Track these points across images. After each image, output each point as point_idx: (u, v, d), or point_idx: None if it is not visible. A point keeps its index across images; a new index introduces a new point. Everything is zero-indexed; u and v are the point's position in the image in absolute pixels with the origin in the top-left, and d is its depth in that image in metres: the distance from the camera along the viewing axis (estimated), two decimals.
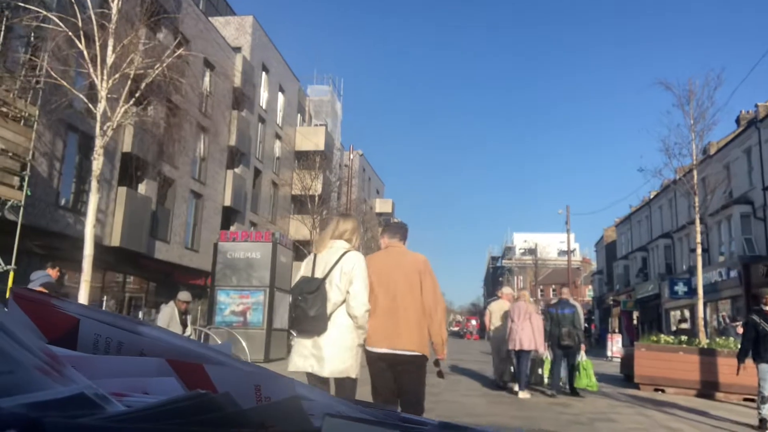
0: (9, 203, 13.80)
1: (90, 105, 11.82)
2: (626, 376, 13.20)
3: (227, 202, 27.55)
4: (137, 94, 12.36)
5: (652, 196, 37.35)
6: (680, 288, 27.13)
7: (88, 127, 18.11)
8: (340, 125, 43.68)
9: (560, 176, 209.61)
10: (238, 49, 29.22)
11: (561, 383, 9.96)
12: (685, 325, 14.89)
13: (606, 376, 14.49)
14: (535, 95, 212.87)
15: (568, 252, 35.60)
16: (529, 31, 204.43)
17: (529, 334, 9.27)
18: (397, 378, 4.10)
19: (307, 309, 3.66)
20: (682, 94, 15.30)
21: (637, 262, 37.38)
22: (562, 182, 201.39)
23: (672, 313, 31.34)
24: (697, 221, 15.70)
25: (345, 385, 3.76)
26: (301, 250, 30.38)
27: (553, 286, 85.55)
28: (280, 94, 34.93)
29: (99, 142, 11.28)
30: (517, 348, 9.30)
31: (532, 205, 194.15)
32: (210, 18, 27.18)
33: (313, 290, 3.71)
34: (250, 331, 12.28)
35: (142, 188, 21.76)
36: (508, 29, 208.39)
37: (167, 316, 8.17)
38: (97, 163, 11.27)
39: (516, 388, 9.61)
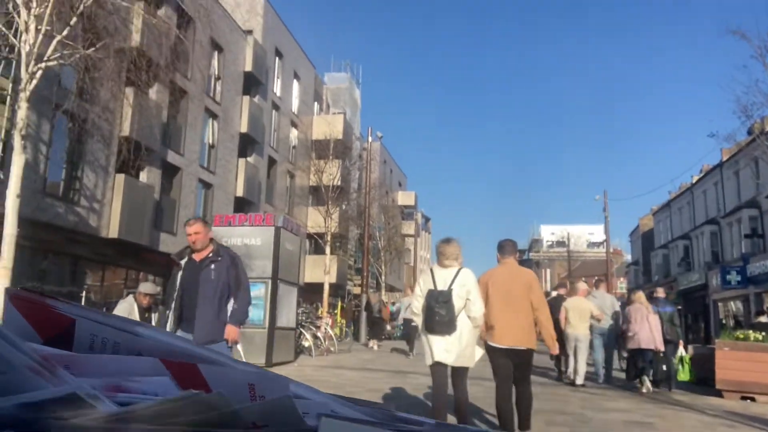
0: None
1: (11, 37, 9.92)
2: (698, 380, 11.10)
3: (239, 192, 25.90)
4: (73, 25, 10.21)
5: (694, 181, 34.85)
6: (733, 277, 24.74)
7: (81, 109, 16.53)
8: (360, 114, 41.85)
9: (589, 167, 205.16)
10: (249, 32, 27.52)
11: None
12: (764, 319, 12.78)
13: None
14: (561, 81, 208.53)
15: (607, 240, 33.35)
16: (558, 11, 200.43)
17: (648, 333, 9.84)
18: (515, 366, 5.18)
19: (443, 314, 4.77)
20: (761, 44, 13.13)
21: (679, 251, 34.91)
22: (590, 173, 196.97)
23: (721, 304, 28.93)
24: None
25: (463, 372, 4.93)
26: (318, 242, 28.73)
27: (583, 278, 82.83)
28: (295, 80, 33.21)
29: (25, 86, 9.29)
30: (637, 347, 9.84)
31: (560, 198, 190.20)
32: (219, 0, 25.51)
33: (447, 300, 4.80)
34: (249, 330, 10.42)
35: (143, 176, 20.17)
36: (537, 12, 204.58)
37: (123, 314, 6.40)
38: (21, 112, 9.39)
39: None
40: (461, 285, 4.90)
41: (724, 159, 29.86)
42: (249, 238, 10.79)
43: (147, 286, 6.71)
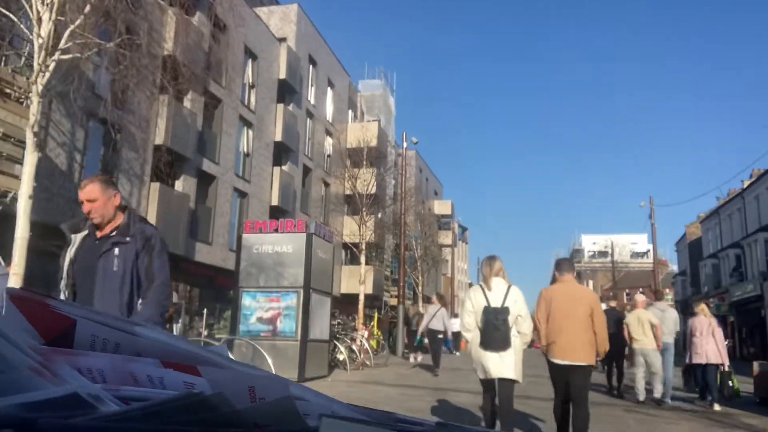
0: (10, 195, 12.06)
1: (27, 31, 9.60)
2: (762, 400, 10.18)
3: (274, 201, 25.63)
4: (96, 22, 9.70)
5: (745, 186, 33.27)
6: None
7: (114, 116, 16.43)
8: (394, 122, 41.40)
9: (630, 174, 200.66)
10: (283, 40, 27.38)
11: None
12: None
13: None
14: (603, 80, 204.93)
15: (654, 248, 31.95)
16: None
17: (714, 347, 9.75)
18: (574, 381, 5.29)
19: (503, 331, 5.08)
20: None
21: (730, 261, 33.29)
22: (632, 181, 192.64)
23: None
24: None
25: (510, 385, 5.19)
26: (354, 252, 28.23)
27: (627, 290, 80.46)
28: (329, 88, 32.96)
29: (36, 78, 8.73)
30: (704, 362, 9.73)
31: (601, 207, 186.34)
32: (253, 9, 25.41)
33: (504, 317, 5.09)
34: (281, 342, 9.95)
35: (178, 185, 20.03)
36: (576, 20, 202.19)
37: None
38: (33, 107, 8.91)
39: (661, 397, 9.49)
40: (513, 302, 5.18)
41: None
42: (280, 245, 10.31)
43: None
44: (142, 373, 0.62)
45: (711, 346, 9.76)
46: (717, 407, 9.26)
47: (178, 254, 19.26)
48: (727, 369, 10.64)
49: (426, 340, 16.00)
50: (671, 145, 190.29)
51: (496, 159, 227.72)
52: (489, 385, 5.27)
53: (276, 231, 10.57)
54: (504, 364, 5.08)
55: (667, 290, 60.30)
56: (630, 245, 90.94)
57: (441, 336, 13.89)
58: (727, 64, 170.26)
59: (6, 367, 0.55)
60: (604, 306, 12.64)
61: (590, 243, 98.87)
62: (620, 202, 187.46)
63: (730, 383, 10.76)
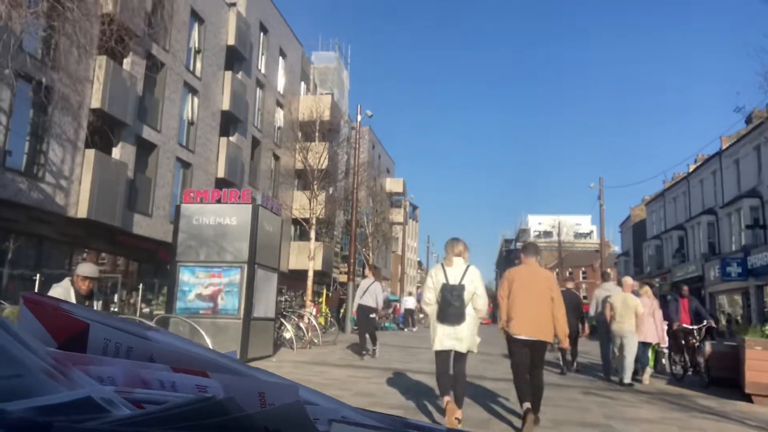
0: None
1: None
2: (713, 379, 10.09)
3: (221, 173, 24.59)
4: None
5: (691, 170, 34.03)
6: (734, 269, 23.91)
7: (46, 76, 15.14)
8: (348, 96, 40.50)
9: (577, 158, 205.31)
10: (232, 5, 26.06)
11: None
12: None
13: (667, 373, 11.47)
14: (551, 61, 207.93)
15: (602, 228, 32.29)
16: None
17: (653, 328, 10.19)
18: (531, 354, 5.70)
19: (457, 306, 5.42)
20: None
21: (673, 242, 34.13)
22: (579, 164, 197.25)
23: (718, 297, 28.18)
24: None
25: (465, 357, 5.58)
26: (303, 227, 27.44)
27: (570, 270, 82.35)
28: (280, 58, 31.79)
29: None
30: (641, 339, 9.81)
31: (547, 188, 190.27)
32: None
33: (460, 294, 5.44)
34: (222, 320, 9.25)
35: (116, 152, 18.82)
36: None
37: None
38: None
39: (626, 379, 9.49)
40: (470, 281, 5.52)
41: (724, 147, 29.03)
42: (223, 217, 9.55)
43: (86, 268, 5.43)
44: (153, 378, 0.61)
45: (650, 326, 10.22)
46: (646, 382, 9.85)
47: (114, 226, 18.19)
48: (663, 348, 11.49)
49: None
50: (620, 131, 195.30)
51: (447, 138, 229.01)
52: (442, 356, 5.56)
53: (219, 201, 9.79)
54: (458, 338, 5.46)
55: (609, 270, 61.94)
56: (574, 226, 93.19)
57: (373, 315, 12.10)
58: (682, 47, 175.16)
59: (21, 370, 0.54)
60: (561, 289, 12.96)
61: (536, 223, 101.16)
62: (566, 185, 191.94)
63: (663, 361, 11.67)
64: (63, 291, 5.20)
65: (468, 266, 5.60)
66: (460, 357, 5.54)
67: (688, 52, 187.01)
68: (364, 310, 11.91)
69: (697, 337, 10.40)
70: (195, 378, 0.60)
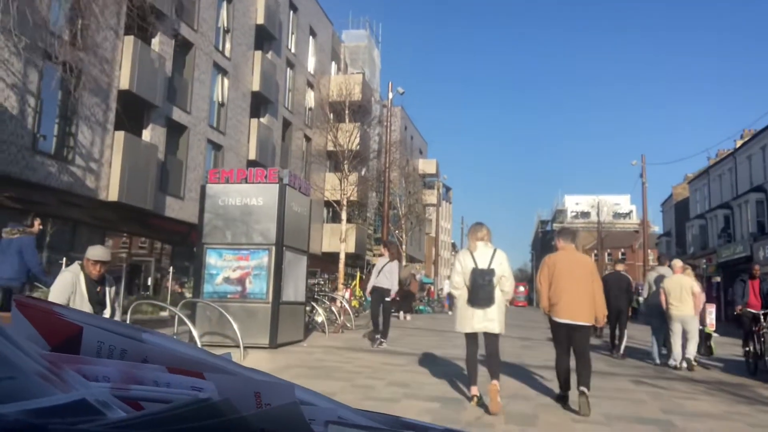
0: None
1: None
2: (756, 365, 9.25)
3: (252, 155, 24.32)
4: None
5: (738, 146, 32.50)
6: None
7: (73, 56, 14.93)
8: (379, 75, 39.82)
9: (615, 136, 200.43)
10: None
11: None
12: None
13: (722, 360, 10.76)
14: (594, 41, 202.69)
15: (645, 208, 31.19)
16: None
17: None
18: (572, 337, 5.85)
19: (489, 290, 5.55)
20: None
21: (719, 221, 32.75)
22: (616, 142, 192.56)
23: None
24: None
25: (495, 338, 5.68)
26: (336, 209, 27.12)
27: (609, 251, 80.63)
28: (311, 37, 31.29)
29: None
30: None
31: (584, 167, 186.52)
32: None
33: (491, 278, 5.57)
34: (250, 305, 8.90)
35: (146, 134, 18.65)
36: None
37: (65, 288, 4.77)
38: None
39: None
40: (498, 264, 5.68)
41: None
42: (249, 197, 9.15)
43: (97, 251, 5.03)
44: (148, 379, 0.61)
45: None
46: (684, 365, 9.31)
47: (146, 209, 18.07)
48: (711, 331, 11.25)
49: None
50: (661, 106, 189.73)
51: (482, 119, 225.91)
52: (472, 338, 5.73)
53: (245, 181, 9.39)
54: (488, 320, 5.60)
55: (651, 251, 60.18)
56: (613, 206, 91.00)
57: (389, 299, 10.80)
58: (719, 25, 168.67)
59: (14, 373, 0.54)
60: (609, 269, 12.78)
61: (573, 204, 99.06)
62: (603, 164, 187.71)
63: (711, 344, 11.26)
64: (71, 276, 4.84)
65: (495, 249, 5.77)
66: (493, 338, 5.68)
67: (733, 19, 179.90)
68: (378, 292, 10.71)
69: (764, 323, 9.03)
70: (190, 379, 0.60)
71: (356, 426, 0.57)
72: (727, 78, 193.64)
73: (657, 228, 60.14)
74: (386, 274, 10.74)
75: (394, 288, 10.91)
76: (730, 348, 12.58)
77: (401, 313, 19.98)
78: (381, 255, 11.54)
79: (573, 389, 5.76)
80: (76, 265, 5.00)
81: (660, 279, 10.05)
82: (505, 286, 5.70)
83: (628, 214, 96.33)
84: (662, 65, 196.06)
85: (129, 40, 17.27)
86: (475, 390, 5.66)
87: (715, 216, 33.40)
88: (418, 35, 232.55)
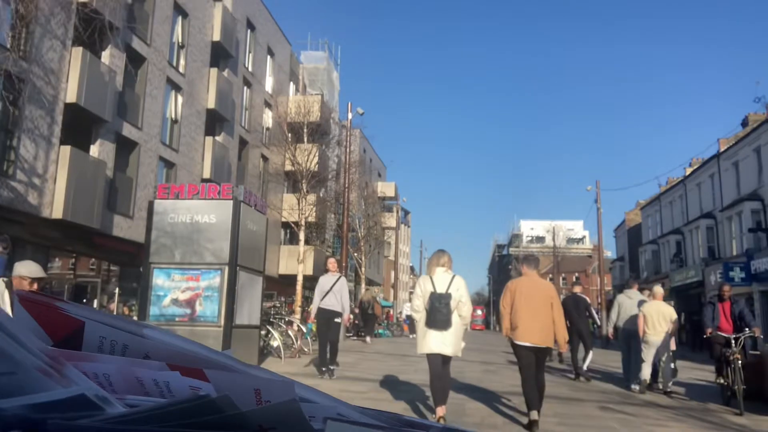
0: None
1: None
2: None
3: (206, 174, 23.61)
4: None
5: (687, 174, 33.42)
6: (737, 274, 23.17)
7: (15, 66, 14.18)
8: (338, 97, 39.63)
9: (571, 164, 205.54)
10: (217, 0, 25.17)
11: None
12: None
13: (682, 384, 10.65)
14: (546, 65, 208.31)
15: (600, 232, 31.58)
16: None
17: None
18: (536, 358, 6.13)
19: (445, 313, 5.77)
20: None
21: (671, 247, 33.45)
22: (572, 170, 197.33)
23: None
24: None
25: (448, 359, 5.91)
26: (294, 230, 26.52)
27: (563, 275, 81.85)
28: (269, 57, 30.91)
29: None
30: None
31: (539, 193, 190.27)
32: None
33: (447, 302, 5.80)
34: (200, 328, 8.32)
35: (94, 150, 17.83)
36: None
37: None
38: None
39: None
40: (456, 289, 5.91)
41: (722, 150, 28.42)
42: (201, 214, 8.62)
43: (29, 267, 4.46)
44: (148, 376, 0.61)
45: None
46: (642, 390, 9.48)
47: (93, 228, 17.19)
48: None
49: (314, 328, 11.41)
50: (612, 134, 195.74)
51: (439, 144, 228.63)
52: (434, 359, 5.89)
53: (197, 197, 8.86)
54: (444, 342, 5.81)
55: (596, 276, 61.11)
56: (567, 231, 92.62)
57: (338, 321, 9.27)
58: (669, 55, 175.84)
59: (14, 368, 0.54)
60: (567, 293, 12.90)
61: (528, 228, 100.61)
62: (558, 190, 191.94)
63: (672, 366, 11.02)
64: None
65: (453, 276, 5.99)
66: (446, 360, 5.90)
67: (684, 54, 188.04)
68: (325, 315, 9.09)
69: (734, 349, 8.43)
70: (189, 379, 0.60)
71: (355, 423, 0.56)
72: (677, 108, 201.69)
73: (610, 253, 61.23)
74: (335, 294, 9.13)
75: (347, 310, 9.33)
76: (688, 372, 12.56)
77: (365, 336, 20.46)
78: (327, 271, 9.48)
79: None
80: (1, 283, 4.41)
81: (641, 304, 10.13)
82: (462, 311, 5.90)
83: (581, 239, 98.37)
84: (613, 96, 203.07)
85: (77, 52, 16.56)
86: (440, 411, 5.71)
87: (667, 241, 34.12)
88: (377, 60, 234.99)
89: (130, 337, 0.65)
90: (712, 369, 13.59)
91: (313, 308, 9.39)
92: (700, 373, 13.01)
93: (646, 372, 9.39)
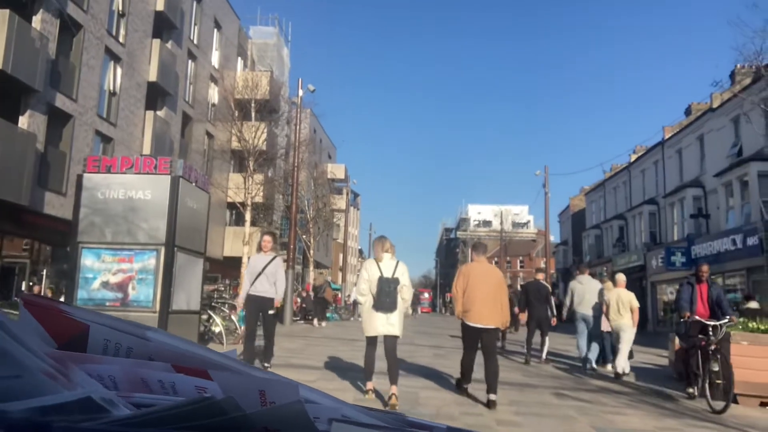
0: None
1: None
2: (680, 375, 9.25)
3: (146, 150, 22.51)
4: None
5: (632, 161, 34.12)
6: (678, 258, 23.79)
7: None
8: (288, 74, 38.60)
9: (515, 148, 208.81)
10: None
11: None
12: (754, 305, 11.25)
13: (641, 370, 10.66)
14: (496, 47, 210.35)
15: (546, 215, 31.90)
16: None
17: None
18: (481, 339, 6.63)
19: (393, 297, 6.14)
20: None
21: (614, 232, 34.19)
22: (516, 154, 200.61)
23: (660, 286, 28.25)
24: None
25: (394, 339, 6.23)
26: (240, 212, 25.65)
27: (508, 258, 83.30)
28: (215, 30, 29.71)
29: None
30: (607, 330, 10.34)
31: (486, 177, 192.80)
32: None
33: (394, 286, 6.16)
34: (133, 313, 7.70)
35: (23, 121, 16.62)
36: None
37: None
38: None
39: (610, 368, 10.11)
40: (401, 274, 6.27)
41: (666, 137, 29.06)
42: (135, 189, 7.96)
43: None
44: (153, 378, 0.61)
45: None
46: (609, 368, 10.10)
47: (21, 204, 16.06)
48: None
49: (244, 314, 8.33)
50: (559, 121, 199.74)
51: (389, 127, 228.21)
52: (373, 341, 6.31)
53: (131, 171, 8.17)
54: (390, 324, 6.15)
55: (543, 259, 62.31)
56: (513, 215, 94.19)
57: (272, 312, 7.90)
58: (628, 38, 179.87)
59: (20, 371, 0.55)
60: (530, 279, 13.28)
61: (476, 212, 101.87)
62: (503, 175, 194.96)
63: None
64: None
65: (398, 261, 6.34)
66: (393, 339, 6.19)
67: (633, 42, 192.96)
68: (256, 303, 7.70)
69: (713, 338, 7.44)
70: (195, 380, 0.60)
71: (360, 424, 0.56)
72: (621, 96, 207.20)
73: (554, 237, 62.46)
74: (268, 277, 7.74)
75: (279, 295, 7.88)
76: (639, 355, 12.64)
77: (315, 320, 20.55)
78: (263, 250, 7.94)
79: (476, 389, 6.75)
80: None
81: (601, 291, 10.42)
82: (404, 294, 6.27)
83: (526, 224, 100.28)
84: (561, 83, 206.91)
85: (4, 14, 15.29)
86: (370, 385, 6.31)
87: (611, 226, 34.83)
88: (328, 37, 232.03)
89: (135, 339, 0.65)
90: (659, 352, 13.83)
91: (242, 294, 8.04)
92: (646, 356, 13.16)
93: (621, 362, 9.55)
